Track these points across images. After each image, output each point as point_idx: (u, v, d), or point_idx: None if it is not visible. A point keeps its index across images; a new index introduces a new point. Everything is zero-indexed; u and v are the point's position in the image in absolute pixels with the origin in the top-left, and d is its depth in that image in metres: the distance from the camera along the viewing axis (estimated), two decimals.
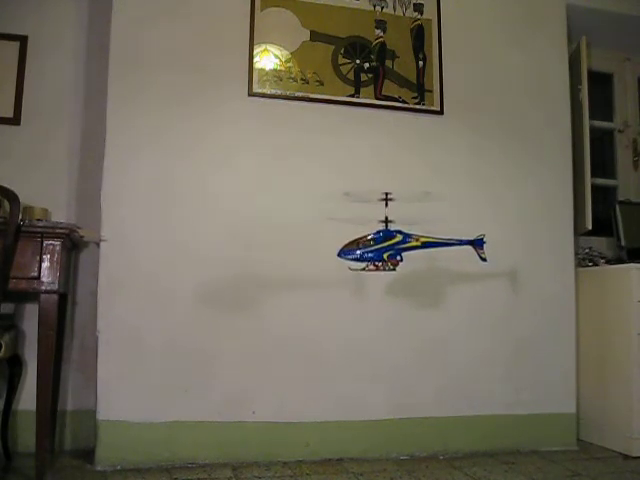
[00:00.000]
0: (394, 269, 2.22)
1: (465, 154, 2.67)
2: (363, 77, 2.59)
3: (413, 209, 2.40)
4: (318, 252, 2.43)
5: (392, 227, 2.24)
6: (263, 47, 2.49)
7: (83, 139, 2.57)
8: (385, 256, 2.20)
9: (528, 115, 2.77)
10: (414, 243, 2.25)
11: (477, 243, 2.32)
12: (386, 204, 2.22)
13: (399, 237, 2.22)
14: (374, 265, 2.19)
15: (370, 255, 2.19)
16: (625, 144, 3.41)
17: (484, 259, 2.32)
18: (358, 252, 2.19)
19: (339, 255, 2.19)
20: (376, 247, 2.19)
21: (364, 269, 2.20)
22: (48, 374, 1.99)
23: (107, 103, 2.32)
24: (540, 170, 2.75)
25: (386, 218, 2.21)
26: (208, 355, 2.31)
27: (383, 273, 2.32)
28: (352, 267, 2.20)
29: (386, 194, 2.23)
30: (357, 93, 2.57)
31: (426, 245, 2.27)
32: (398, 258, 2.22)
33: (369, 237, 2.20)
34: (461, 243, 2.33)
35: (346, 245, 2.20)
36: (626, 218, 2.90)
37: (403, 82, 2.63)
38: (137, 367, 2.24)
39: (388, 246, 2.21)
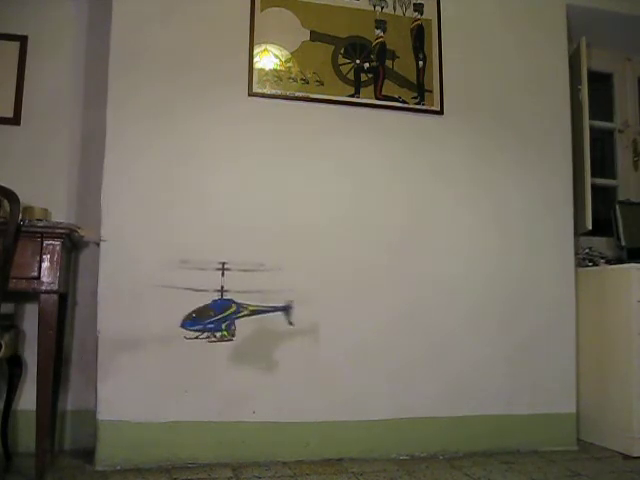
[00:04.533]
0: (233, 338, 2.31)
1: (465, 154, 2.67)
2: (363, 77, 2.59)
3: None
4: (317, 255, 2.45)
5: (226, 296, 2.31)
6: (263, 47, 2.49)
7: (83, 139, 2.57)
8: (224, 326, 2.30)
9: (528, 115, 2.77)
10: (245, 312, 2.31)
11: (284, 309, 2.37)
12: (222, 273, 2.28)
13: (234, 307, 2.30)
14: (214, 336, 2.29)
15: (210, 326, 2.28)
16: (625, 144, 3.40)
17: (290, 323, 2.36)
18: (201, 322, 2.28)
19: (182, 327, 2.27)
20: (212, 318, 2.28)
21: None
22: (48, 374, 1.99)
23: (107, 103, 2.32)
24: (540, 170, 2.75)
25: (222, 287, 2.28)
26: (208, 355, 2.31)
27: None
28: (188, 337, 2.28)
29: (223, 264, 2.29)
30: (357, 93, 2.57)
31: (255, 312, 2.33)
32: (233, 327, 2.30)
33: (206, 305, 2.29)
34: (276, 309, 2.36)
35: (187, 316, 2.27)
36: (626, 218, 2.89)
37: (403, 82, 2.63)
38: (137, 367, 2.24)
39: (225, 316, 2.29)
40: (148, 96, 2.36)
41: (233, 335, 2.29)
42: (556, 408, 2.62)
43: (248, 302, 2.32)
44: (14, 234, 1.90)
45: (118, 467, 2.17)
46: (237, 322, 2.32)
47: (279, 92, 2.48)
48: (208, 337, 2.29)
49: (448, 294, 2.58)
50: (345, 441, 2.39)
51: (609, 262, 2.91)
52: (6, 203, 1.92)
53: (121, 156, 2.31)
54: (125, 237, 2.28)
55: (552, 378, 2.64)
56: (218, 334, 2.29)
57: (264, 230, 2.40)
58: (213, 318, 2.28)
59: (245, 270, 2.33)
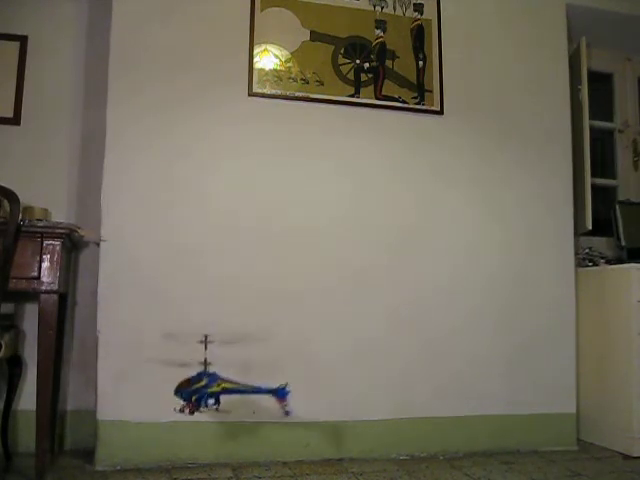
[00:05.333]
0: (192, 414, 2.20)
1: (465, 154, 2.67)
2: (363, 77, 2.59)
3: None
4: (317, 256, 2.45)
5: (212, 369, 2.19)
6: (263, 47, 2.49)
7: (83, 139, 2.57)
8: (193, 399, 2.18)
9: (528, 115, 2.77)
10: (215, 388, 2.18)
11: (279, 393, 2.18)
12: (205, 346, 2.17)
13: (204, 381, 2.17)
14: (187, 406, 2.17)
15: (185, 396, 2.17)
16: (625, 144, 3.40)
17: (287, 412, 2.16)
18: (182, 392, 2.18)
19: (175, 394, 2.19)
20: (189, 389, 2.16)
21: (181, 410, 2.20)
22: (48, 374, 1.99)
23: (107, 103, 2.32)
24: (540, 170, 2.75)
25: (205, 360, 2.15)
26: (208, 355, 2.31)
27: None
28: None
29: (205, 336, 2.17)
30: (357, 93, 2.57)
31: (226, 391, 2.20)
32: (202, 402, 2.16)
33: (190, 378, 2.18)
34: (260, 391, 2.20)
35: (180, 384, 2.20)
36: (626, 218, 2.89)
37: (403, 82, 2.63)
38: (137, 367, 2.24)
39: (196, 389, 2.17)
40: (148, 96, 2.36)
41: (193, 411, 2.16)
42: (556, 408, 2.62)
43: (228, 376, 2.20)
44: (14, 234, 1.90)
45: (118, 467, 2.17)
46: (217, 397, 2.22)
47: (279, 92, 2.48)
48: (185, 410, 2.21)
49: (448, 294, 2.58)
50: (345, 441, 2.39)
51: (609, 262, 2.91)
52: (6, 203, 1.92)
53: (121, 156, 2.31)
54: (125, 237, 2.28)
55: (552, 378, 2.64)
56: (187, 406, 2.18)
57: (264, 230, 2.40)
58: (188, 389, 2.17)
59: (228, 338, 2.25)
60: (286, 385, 2.11)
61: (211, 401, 2.14)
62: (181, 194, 2.36)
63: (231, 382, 2.19)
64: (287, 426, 2.33)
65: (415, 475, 2.20)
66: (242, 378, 2.29)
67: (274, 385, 2.27)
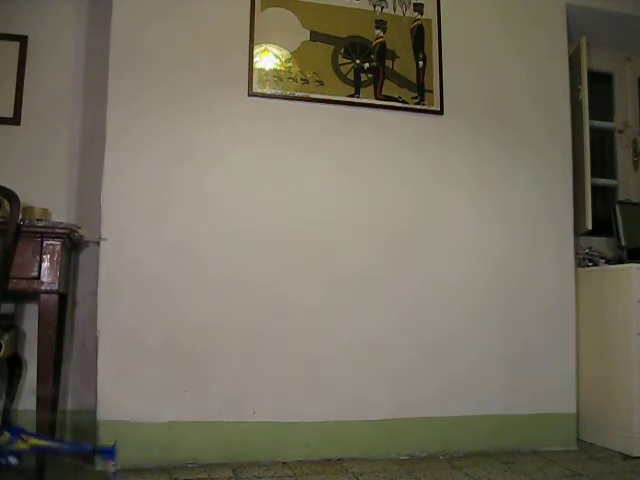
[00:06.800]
0: None
1: (465, 154, 2.67)
2: (363, 77, 2.59)
3: None
4: (317, 255, 2.45)
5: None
6: (263, 47, 2.49)
7: (83, 139, 2.58)
8: None
9: (528, 115, 2.77)
10: (21, 445, 1.79)
11: (105, 453, 1.78)
12: None
13: (6, 436, 1.78)
14: None
15: None
16: (625, 144, 3.40)
17: (115, 474, 1.77)
18: None
19: None
20: None
21: None
22: (48, 374, 1.99)
23: (107, 103, 2.32)
24: (540, 170, 2.75)
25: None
26: (208, 355, 2.31)
27: None
28: None
29: None
30: (357, 93, 2.57)
31: (35, 449, 1.80)
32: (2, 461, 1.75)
33: None
34: (82, 449, 1.80)
35: None
36: (626, 218, 2.90)
37: (403, 82, 2.63)
38: (137, 367, 2.24)
39: None
40: (148, 96, 2.36)
41: None
42: (556, 408, 2.62)
43: None
44: (14, 234, 1.90)
45: (118, 467, 2.16)
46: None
47: (279, 92, 2.48)
48: None
49: (448, 294, 2.57)
50: (345, 441, 2.39)
51: (609, 262, 2.90)
52: (6, 203, 1.92)
53: (121, 156, 2.31)
54: (125, 237, 2.28)
55: (552, 378, 2.63)
56: None
57: (263, 229, 2.40)
58: None
59: None
60: (115, 444, 1.72)
61: (13, 459, 1.76)
62: (181, 194, 2.36)
63: (42, 439, 1.84)
64: (287, 426, 2.34)
65: (415, 475, 2.20)
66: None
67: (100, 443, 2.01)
